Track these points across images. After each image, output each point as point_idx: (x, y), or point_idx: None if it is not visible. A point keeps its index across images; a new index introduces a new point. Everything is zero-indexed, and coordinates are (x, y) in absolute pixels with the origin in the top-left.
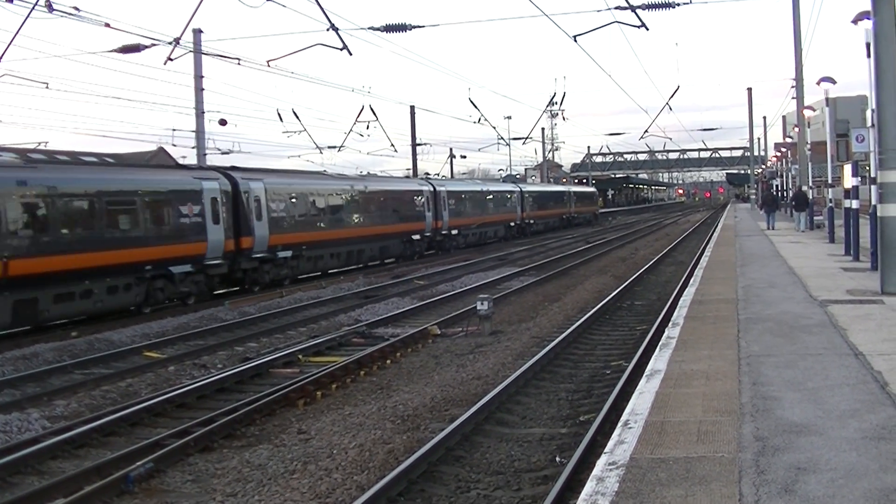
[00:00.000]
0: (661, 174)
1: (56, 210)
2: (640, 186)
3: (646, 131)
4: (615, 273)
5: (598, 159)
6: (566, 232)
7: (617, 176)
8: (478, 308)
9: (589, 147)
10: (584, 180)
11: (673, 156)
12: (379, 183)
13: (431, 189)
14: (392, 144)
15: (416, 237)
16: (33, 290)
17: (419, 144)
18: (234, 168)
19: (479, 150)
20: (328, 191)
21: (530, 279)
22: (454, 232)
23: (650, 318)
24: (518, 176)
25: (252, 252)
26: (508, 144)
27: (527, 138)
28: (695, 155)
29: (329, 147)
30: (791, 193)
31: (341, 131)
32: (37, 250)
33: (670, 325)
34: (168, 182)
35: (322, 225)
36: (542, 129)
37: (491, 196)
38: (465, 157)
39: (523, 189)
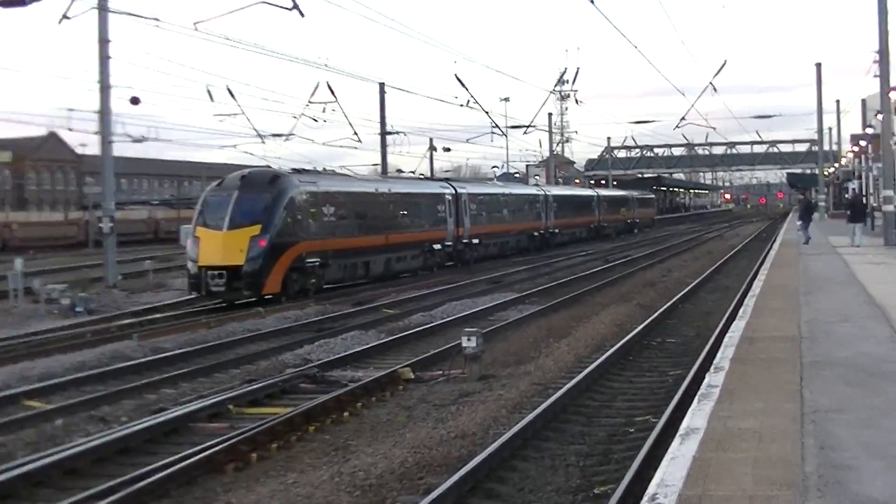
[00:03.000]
0: (702, 174)
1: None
2: (676, 190)
3: (683, 119)
4: (641, 301)
5: (621, 153)
6: (590, 245)
7: (645, 176)
8: (463, 345)
9: (609, 139)
10: (603, 181)
11: (718, 150)
12: (401, 184)
13: (453, 192)
14: (355, 133)
15: (437, 246)
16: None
17: (390, 133)
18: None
19: (466, 140)
20: (357, 193)
21: (531, 308)
22: (475, 241)
23: (686, 361)
24: (517, 175)
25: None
26: (505, 134)
27: (529, 127)
28: (746, 149)
29: (274, 135)
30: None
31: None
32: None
33: (712, 369)
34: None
35: (351, 231)
36: (549, 114)
37: (515, 200)
38: (448, 149)
39: (548, 193)
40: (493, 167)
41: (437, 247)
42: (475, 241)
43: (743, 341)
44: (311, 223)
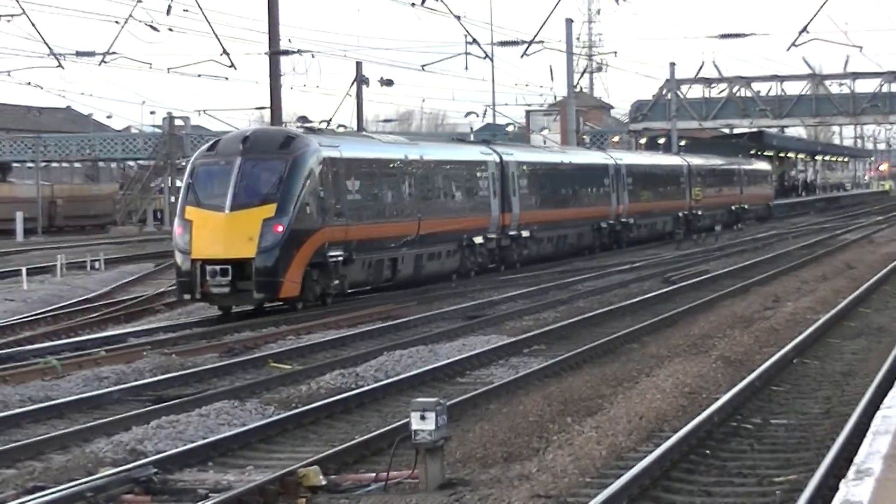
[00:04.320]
0: (836, 130)
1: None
2: (790, 157)
3: (804, 30)
4: (727, 351)
5: (694, 91)
6: (659, 247)
7: (736, 132)
8: (413, 427)
9: (673, 66)
10: (662, 140)
11: (866, 87)
12: (435, 148)
13: (497, 158)
14: (225, 52)
15: (479, 240)
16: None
17: (285, 52)
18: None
19: (422, 68)
20: (386, 161)
21: (534, 362)
22: (524, 233)
23: (806, 459)
24: (512, 130)
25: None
26: (490, 57)
27: (532, 43)
28: None
29: (82, 54)
30: None
31: (109, 21)
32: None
33: (851, 474)
34: None
35: (378, 215)
36: (568, 21)
37: (578, 174)
38: (390, 82)
39: (620, 163)
40: (469, 114)
41: (479, 240)
42: (524, 233)
43: None
44: (334, 203)
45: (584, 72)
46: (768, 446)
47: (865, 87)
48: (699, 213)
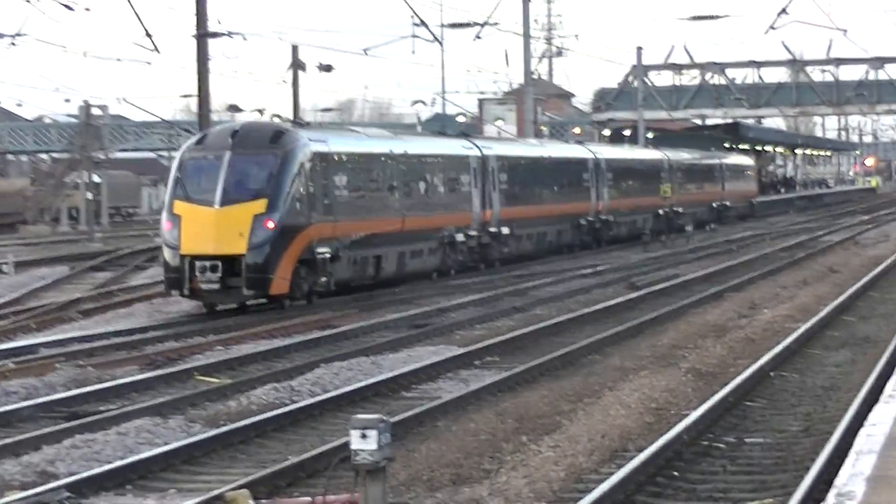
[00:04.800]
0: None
1: None
2: (768, 151)
3: (783, 12)
4: (698, 363)
5: (663, 79)
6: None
7: (710, 124)
8: (352, 447)
9: (640, 51)
10: (628, 131)
11: (850, 75)
12: (416, 142)
13: (478, 153)
14: (148, 34)
15: (460, 237)
16: None
17: (214, 35)
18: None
19: (365, 52)
20: (373, 156)
21: (487, 375)
22: (504, 230)
23: (783, 481)
24: (464, 121)
25: None
26: (439, 40)
27: (486, 25)
28: None
29: None
30: None
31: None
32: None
33: (832, 498)
34: None
35: (364, 211)
36: (526, 2)
37: (558, 168)
38: (330, 67)
39: (600, 157)
40: (417, 103)
41: (460, 237)
42: (505, 230)
43: (893, 444)
44: (322, 199)
45: (543, 57)
46: (742, 467)
47: (850, 73)
48: (680, 210)
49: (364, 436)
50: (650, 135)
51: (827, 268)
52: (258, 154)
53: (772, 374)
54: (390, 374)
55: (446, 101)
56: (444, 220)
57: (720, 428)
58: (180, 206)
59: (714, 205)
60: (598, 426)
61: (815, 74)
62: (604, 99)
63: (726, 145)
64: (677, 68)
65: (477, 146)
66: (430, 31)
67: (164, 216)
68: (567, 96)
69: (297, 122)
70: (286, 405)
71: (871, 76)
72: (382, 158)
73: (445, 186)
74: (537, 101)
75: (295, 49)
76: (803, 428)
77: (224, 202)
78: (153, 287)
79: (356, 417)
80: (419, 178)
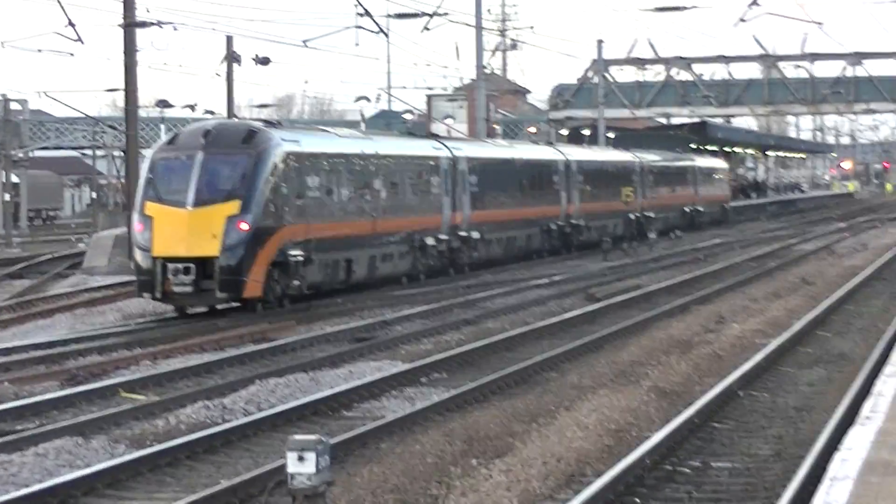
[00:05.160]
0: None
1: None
2: (738, 153)
3: (754, 3)
4: (661, 381)
5: (625, 75)
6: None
7: (674, 123)
8: (289, 470)
9: (601, 44)
10: (587, 131)
11: (826, 71)
12: (388, 142)
13: (449, 156)
14: (70, 23)
15: (430, 241)
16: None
17: (142, 24)
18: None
19: (304, 44)
20: (346, 157)
21: (434, 393)
22: (474, 234)
23: None
24: (412, 118)
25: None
26: (386, 33)
27: (435, 15)
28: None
29: None
30: None
31: None
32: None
33: None
34: None
35: (335, 213)
36: None
37: (528, 170)
38: (267, 60)
39: (570, 158)
40: (360, 99)
41: (431, 241)
42: (475, 234)
43: (869, 470)
44: (296, 200)
45: (496, 50)
46: (709, 494)
47: (826, 70)
48: (651, 214)
49: (301, 458)
50: (611, 134)
51: (800, 279)
52: (231, 154)
53: (740, 393)
54: (330, 392)
55: (392, 97)
56: (414, 223)
57: (685, 451)
58: (152, 208)
59: (686, 209)
60: (554, 449)
61: (789, 70)
62: (561, 96)
63: (693, 146)
64: (640, 63)
65: (447, 147)
66: (374, 21)
67: (136, 217)
68: (522, 92)
69: (269, 121)
70: (218, 424)
71: (849, 73)
72: (354, 159)
73: (416, 188)
74: (490, 97)
75: (229, 40)
76: (774, 452)
77: (197, 203)
78: (76, 296)
79: (293, 438)
80: (390, 179)
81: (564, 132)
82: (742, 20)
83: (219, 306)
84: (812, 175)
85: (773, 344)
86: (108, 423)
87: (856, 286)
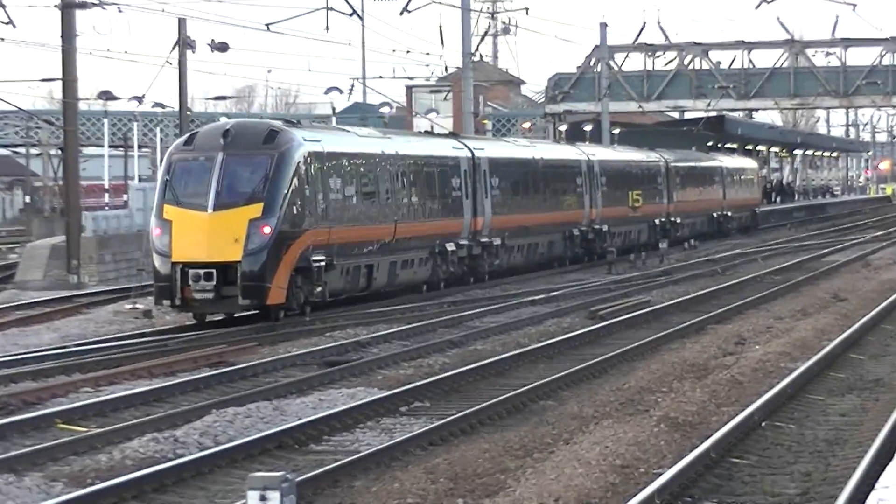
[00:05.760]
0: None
1: None
2: (759, 149)
3: None
4: (674, 411)
5: (632, 62)
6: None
7: (688, 116)
8: None
9: (604, 28)
10: (588, 126)
11: (859, 59)
12: (408, 141)
13: (469, 156)
14: (0, 3)
15: (451, 246)
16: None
17: (83, 6)
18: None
19: (267, 27)
20: (366, 157)
21: (415, 424)
22: (496, 241)
23: None
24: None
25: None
26: (360, 16)
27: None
28: None
29: None
30: None
31: None
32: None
33: None
34: None
35: (357, 216)
36: None
37: (551, 171)
38: (225, 46)
39: (593, 159)
40: (331, 90)
41: (451, 247)
42: (496, 240)
43: None
44: (318, 202)
45: (486, 34)
46: None
47: (860, 57)
48: (678, 220)
49: (264, 498)
50: (616, 131)
51: (831, 294)
52: (252, 155)
53: (763, 424)
54: (297, 423)
55: (367, 87)
56: (435, 227)
57: (700, 490)
58: (170, 211)
59: (714, 214)
60: (551, 487)
61: (818, 58)
62: (560, 87)
63: (709, 144)
64: (649, 50)
65: (467, 146)
66: (347, 2)
67: (153, 221)
68: (515, 83)
69: (289, 120)
70: (169, 460)
71: (887, 60)
72: (375, 159)
73: (437, 191)
74: (479, 88)
75: (182, 23)
76: (801, 491)
77: (217, 206)
78: (7, 314)
79: (254, 476)
80: (411, 181)
81: (563, 128)
82: (765, 1)
83: (236, 315)
84: (845, 177)
85: (801, 368)
86: (44, 458)
87: (894, 303)
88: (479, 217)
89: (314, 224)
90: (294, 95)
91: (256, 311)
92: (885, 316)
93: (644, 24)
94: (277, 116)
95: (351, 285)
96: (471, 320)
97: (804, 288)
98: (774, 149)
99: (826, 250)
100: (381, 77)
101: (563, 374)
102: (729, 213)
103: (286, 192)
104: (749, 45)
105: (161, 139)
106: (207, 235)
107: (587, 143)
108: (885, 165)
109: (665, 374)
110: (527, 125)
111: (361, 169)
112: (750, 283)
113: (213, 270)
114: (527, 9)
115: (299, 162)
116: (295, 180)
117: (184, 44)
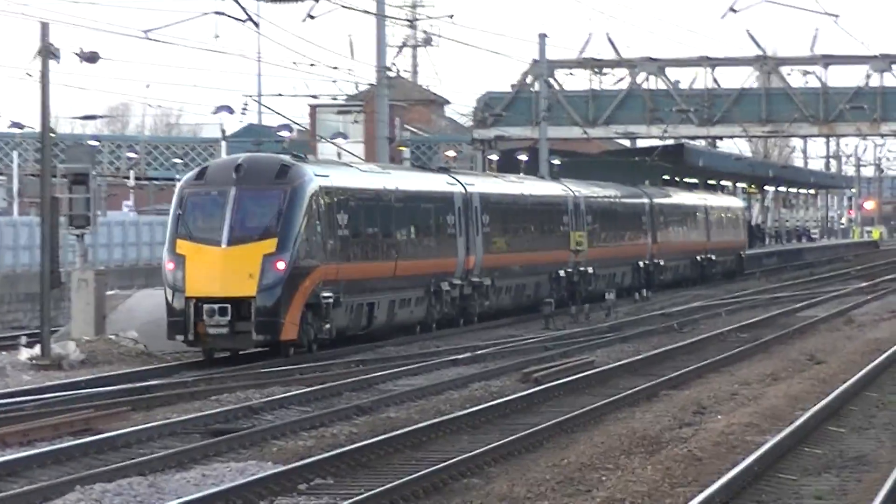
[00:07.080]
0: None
1: None
2: (724, 184)
3: None
4: (620, 491)
5: (577, 82)
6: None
7: (641, 144)
8: None
9: (544, 39)
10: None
11: (843, 77)
12: (406, 179)
13: (462, 191)
14: None
15: (446, 285)
16: None
17: None
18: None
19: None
20: (371, 192)
21: (323, 502)
22: (486, 281)
23: None
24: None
25: None
26: (255, 22)
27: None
28: None
29: None
30: None
31: None
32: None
33: None
34: None
35: (362, 253)
36: None
37: (539, 209)
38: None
39: (579, 194)
40: (221, 110)
41: (446, 286)
42: (486, 280)
43: None
44: (329, 238)
45: (405, 46)
46: None
47: (843, 77)
48: (661, 262)
49: None
50: (556, 160)
51: (807, 356)
52: (265, 190)
53: None
54: (177, 502)
55: (263, 107)
56: (431, 265)
57: None
58: (184, 246)
59: (698, 258)
60: None
61: (794, 78)
62: (490, 108)
63: (666, 177)
64: (597, 65)
65: (460, 182)
66: (240, 5)
67: (166, 255)
68: (438, 103)
69: (297, 154)
70: None
71: (874, 81)
72: (378, 195)
73: (433, 228)
74: (395, 108)
75: (45, 28)
76: None
77: (232, 241)
78: None
79: None
80: (410, 217)
81: (494, 157)
82: (732, 10)
83: (241, 352)
84: (824, 218)
85: (770, 443)
86: None
87: (880, 366)
88: (472, 255)
89: (325, 260)
90: (177, 115)
91: (266, 348)
92: (870, 382)
93: (590, 35)
94: (156, 140)
95: (354, 323)
96: (383, 382)
97: (775, 348)
98: (742, 184)
99: (802, 303)
100: (280, 95)
101: (490, 446)
102: (713, 257)
103: (299, 227)
104: (713, 62)
105: (19, 165)
106: (222, 270)
107: (520, 173)
108: (870, 205)
109: (611, 448)
110: (451, 153)
111: (366, 204)
112: (712, 342)
113: (228, 305)
114: (451, 16)
115: (311, 197)
116: (307, 216)
117: (47, 52)
